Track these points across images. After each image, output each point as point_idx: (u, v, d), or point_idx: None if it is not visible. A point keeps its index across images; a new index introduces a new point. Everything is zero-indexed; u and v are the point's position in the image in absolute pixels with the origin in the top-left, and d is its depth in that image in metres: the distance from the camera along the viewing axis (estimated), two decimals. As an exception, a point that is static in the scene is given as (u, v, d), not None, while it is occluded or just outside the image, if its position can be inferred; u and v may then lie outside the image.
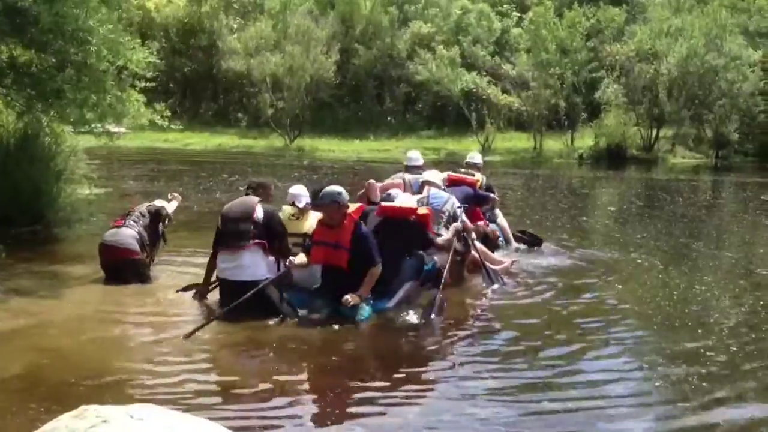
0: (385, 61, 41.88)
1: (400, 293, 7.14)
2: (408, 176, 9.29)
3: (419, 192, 8.74)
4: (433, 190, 8.53)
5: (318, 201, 6.90)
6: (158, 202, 8.64)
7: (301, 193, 7.51)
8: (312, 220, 7.34)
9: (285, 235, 7.02)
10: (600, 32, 38.63)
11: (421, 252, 7.58)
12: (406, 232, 7.31)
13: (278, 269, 7.01)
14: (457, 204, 8.54)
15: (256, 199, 7.07)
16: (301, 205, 7.43)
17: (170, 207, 8.63)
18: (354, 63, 41.56)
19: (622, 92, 34.35)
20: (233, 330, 6.29)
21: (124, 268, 7.83)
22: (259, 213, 6.86)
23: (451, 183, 9.38)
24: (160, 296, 7.43)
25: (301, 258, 6.93)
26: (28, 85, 10.32)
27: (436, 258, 7.79)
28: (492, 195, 10.02)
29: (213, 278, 7.20)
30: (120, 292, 7.53)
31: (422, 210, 7.60)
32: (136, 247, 7.94)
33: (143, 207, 8.35)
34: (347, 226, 6.78)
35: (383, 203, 7.77)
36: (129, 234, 7.96)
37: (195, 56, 43.42)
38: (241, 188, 16.21)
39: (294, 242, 7.14)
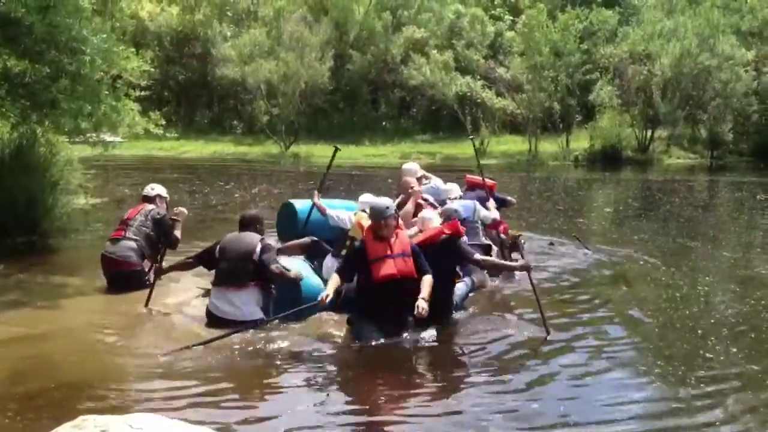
0: (379, 66, 41.95)
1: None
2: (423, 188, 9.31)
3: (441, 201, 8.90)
4: (457, 201, 8.54)
5: (378, 218, 6.51)
6: (155, 189, 8.62)
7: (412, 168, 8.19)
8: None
9: (272, 268, 6.73)
10: (593, 34, 38.74)
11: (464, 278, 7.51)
12: (443, 255, 6.87)
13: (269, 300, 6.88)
14: (483, 211, 8.64)
15: (258, 237, 6.88)
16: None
17: (177, 231, 8.32)
18: (348, 68, 41.62)
19: (616, 94, 34.44)
20: (232, 339, 6.27)
21: (123, 279, 7.88)
22: (258, 252, 6.70)
23: (469, 186, 9.42)
24: (158, 305, 7.40)
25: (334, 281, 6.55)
26: (23, 95, 10.29)
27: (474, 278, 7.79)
28: (510, 198, 10.09)
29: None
30: (117, 301, 7.51)
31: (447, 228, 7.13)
32: (135, 258, 7.96)
33: (142, 216, 8.23)
34: (400, 234, 6.62)
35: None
36: (128, 246, 7.98)
37: (189, 64, 43.48)
38: (237, 195, 16.21)
39: None
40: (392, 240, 6.50)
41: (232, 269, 6.68)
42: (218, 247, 6.89)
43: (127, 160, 28.40)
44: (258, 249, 6.71)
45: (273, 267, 6.71)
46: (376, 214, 6.54)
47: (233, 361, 5.88)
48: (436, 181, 9.68)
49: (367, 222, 7.02)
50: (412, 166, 9.63)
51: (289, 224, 9.14)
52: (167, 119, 18.80)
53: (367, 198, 8.14)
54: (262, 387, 5.44)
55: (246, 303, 6.59)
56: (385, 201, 6.74)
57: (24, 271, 8.85)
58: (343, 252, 7.47)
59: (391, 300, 6.33)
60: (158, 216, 8.28)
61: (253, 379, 5.56)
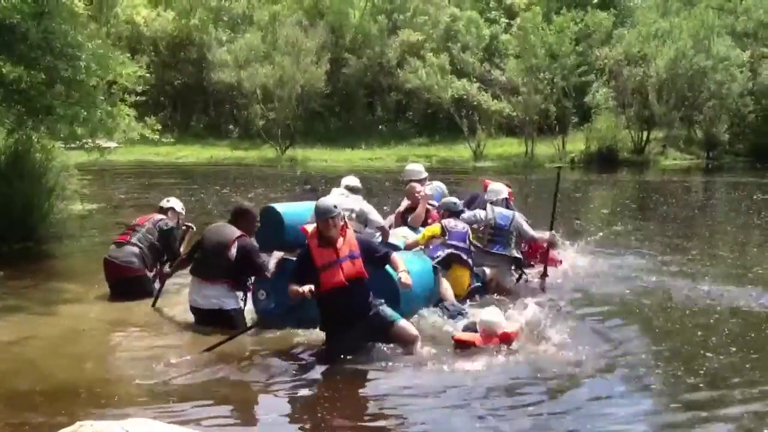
0: (375, 69, 41.93)
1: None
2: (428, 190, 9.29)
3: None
4: (497, 208, 8.46)
5: (325, 216, 6.10)
6: (170, 202, 8.58)
7: (348, 181, 8.18)
8: (358, 199, 7.80)
9: (261, 268, 6.88)
10: (588, 36, 38.75)
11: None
12: None
13: (245, 297, 7.01)
14: (523, 219, 8.56)
15: (235, 233, 6.86)
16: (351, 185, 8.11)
17: (181, 246, 8.39)
18: (344, 72, 41.60)
19: (611, 95, 34.48)
20: (227, 344, 6.27)
21: (126, 285, 7.88)
22: (233, 251, 6.76)
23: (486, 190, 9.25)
24: (154, 310, 7.39)
25: None
26: (18, 101, 10.29)
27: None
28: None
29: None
30: (113, 307, 7.51)
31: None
32: (137, 264, 7.94)
33: (150, 224, 8.18)
34: (348, 234, 6.25)
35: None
36: (131, 251, 7.96)
37: (185, 69, 43.42)
38: (233, 200, 16.19)
39: None
40: (339, 242, 6.13)
41: (205, 261, 6.82)
42: (200, 237, 7.08)
43: (124, 165, 28.34)
44: (234, 248, 6.76)
45: (266, 272, 6.87)
46: (323, 212, 6.10)
47: (229, 366, 5.86)
48: (439, 185, 9.60)
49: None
50: (416, 167, 9.57)
51: (272, 234, 9.03)
52: (163, 124, 18.80)
53: (349, 180, 8.37)
54: (258, 392, 5.42)
55: (216, 296, 6.73)
56: (331, 200, 6.36)
57: (20, 277, 8.83)
58: None
59: (343, 306, 6.06)
60: (166, 227, 8.23)
61: (248, 385, 5.54)
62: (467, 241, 7.87)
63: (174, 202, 8.62)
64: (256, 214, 7.30)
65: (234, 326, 6.59)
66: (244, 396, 5.32)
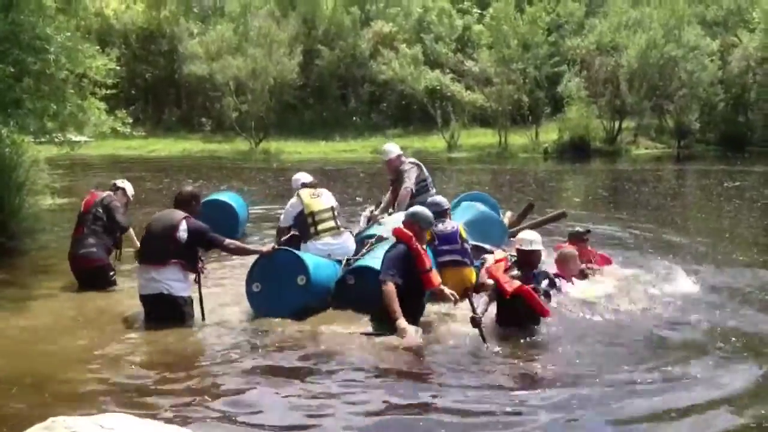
0: (348, 61, 41.91)
1: None
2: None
3: None
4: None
5: (431, 226, 6.70)
6: (123, 183, 8.66)
7: (302, 177, 8.50)
8: (326, 192, 8.00)
9: (217, 241, 6.75)
10: (560, 27, 38.99)
11: None
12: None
13: (198, 278, 6.79)
14: None
15: (181, 215, 6.63)
16: (308, 181, 8.26)
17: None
18: (317, 64, 41.52)
19: (583, 85, 34.68)
20: (202, 338, 6.25)
21: (92, 276, 7.88)
22: (182, 233, 6.53)
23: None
24: (125, 304, 7.34)
25: None
26: (-14, 96, 10.14)
27: None
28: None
29: None
30: (85, 301, 7.45)
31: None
32: (97, 253, 7.95)
33: (95, 207, 8.14)
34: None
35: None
36: (89, 243, 7.96)
37: (156, 62, 43.10)
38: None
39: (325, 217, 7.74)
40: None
41: (152, 245, 6.61)
42: (146, 225, 6.86)
43: (95, 159, 28.09)
44: (182, 230, 6.53)
45: (226, 243, 6.78)
46: (431, 221, 6.65)
47: (207, 361, 5.84)
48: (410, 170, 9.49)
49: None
50: (394, 146, 9.74)
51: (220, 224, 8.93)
52: (135, 118, 18.60)
53: (301, 176, 8.64)
54: (235, 387, 5.40)
55: (164, 279, 6.53)
56: (425, 209, 6.76)
57: (-9, 273, 8.74)
58: (313, 230, 7.69)
59: (421, 306, 6.55)
60: (106, 201, 8.21)
61: (225, 378, 5.51)
62: (459, 239, 7.68)
63: (127, 185, 8.67)
64: (200, 195, 7.15)
65: (182, 316, 6.52)
66: (220, 390, 5.29)
